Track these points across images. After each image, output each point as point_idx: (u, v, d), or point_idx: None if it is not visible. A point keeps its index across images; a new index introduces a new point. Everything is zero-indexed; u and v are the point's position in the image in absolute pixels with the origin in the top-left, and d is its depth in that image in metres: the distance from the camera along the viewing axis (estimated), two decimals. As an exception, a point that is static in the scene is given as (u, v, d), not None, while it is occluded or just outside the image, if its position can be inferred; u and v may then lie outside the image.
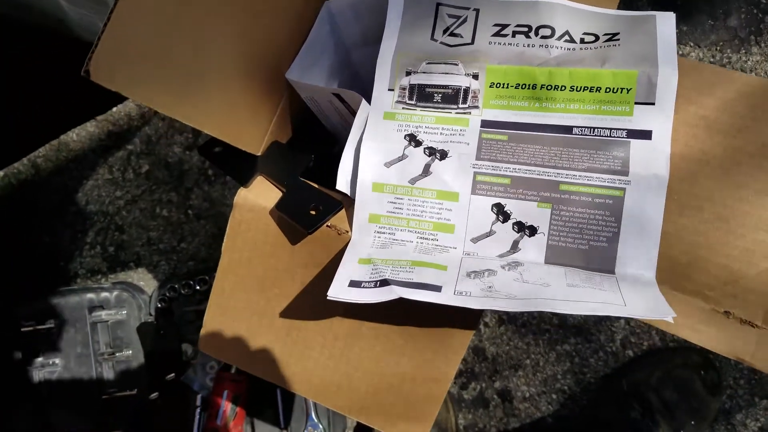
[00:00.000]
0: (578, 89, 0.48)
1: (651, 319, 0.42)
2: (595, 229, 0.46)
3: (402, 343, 0.49)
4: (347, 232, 0.50)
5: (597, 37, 0.48)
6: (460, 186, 0.48)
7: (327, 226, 0.49)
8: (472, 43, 0.49)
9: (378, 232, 0.50)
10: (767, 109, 0.44)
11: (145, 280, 1.00)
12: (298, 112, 0.57)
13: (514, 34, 0.49)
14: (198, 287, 0.94)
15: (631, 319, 0.90)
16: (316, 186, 0.52)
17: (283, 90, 0.54)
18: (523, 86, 0.49)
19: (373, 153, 0.50)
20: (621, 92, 0.47)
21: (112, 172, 1.01)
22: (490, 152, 0.48)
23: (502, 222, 0.48)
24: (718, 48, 0.90)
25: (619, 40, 0.47)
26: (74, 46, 0.46)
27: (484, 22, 0.49)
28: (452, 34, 0.50)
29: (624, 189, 0.45)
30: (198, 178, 1.00)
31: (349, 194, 0.51)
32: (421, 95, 0.50)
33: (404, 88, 0.51)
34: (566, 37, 0.48)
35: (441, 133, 0.49)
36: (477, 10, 0.49)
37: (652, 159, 0.45)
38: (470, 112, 0.50)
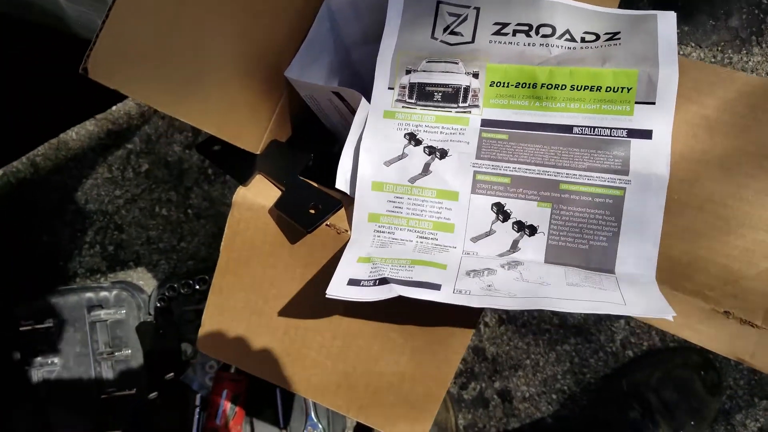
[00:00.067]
0: (579, 88, 0.48)
1: (651, 319, 0.42)
2: (595, 228, 0.46)
3: (401, 343, 0.49)
4: (346, 231, 0.49)
5: (598, 36, 0.48)
6: (460, 185, 0.48)
7: (326, 225, 0.49)
8: (473, 41, 0.49)
9: (377, 231, 0.49)
10: (768, 108, 0.44)
11: (144, 280, 1.00)
12: (298, 110, 0.57)
13: (514, 32, 0.48)
14: (197, 286, 0.94)
15: (631, 319, 0.90)
16: (315, 185, 0.52)
17: (283, 88, 0.54)
18: (524, 85, 0.49)
19: (373, 152, 0.50)
20: (621, 91, 0.47)
21: (112, 171, 1.00)
22: (490, 151, 0.48)
23: (502, 221, 0.47)
24: (719, 48, 0.90)
25: (619, 39, 0.47)
26: (73, 45, 0.46)
27: (484, 21, 0.49)
28: (452, 33, 0.50)
29: (624, 188, 0.45)
30: (198, 177, 1.00)
31: (348, 193, 0.51)
32: (421, 94, 0.50)
33: (404, 87, 0.50)
34: (567, 36, 0.48)
35: (441, 132, 0.49)
36: (477, 9, 0.49)
37: (652, 158, 0.45)
38: (470, 111, 0.49)
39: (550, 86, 0.48)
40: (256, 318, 0.52)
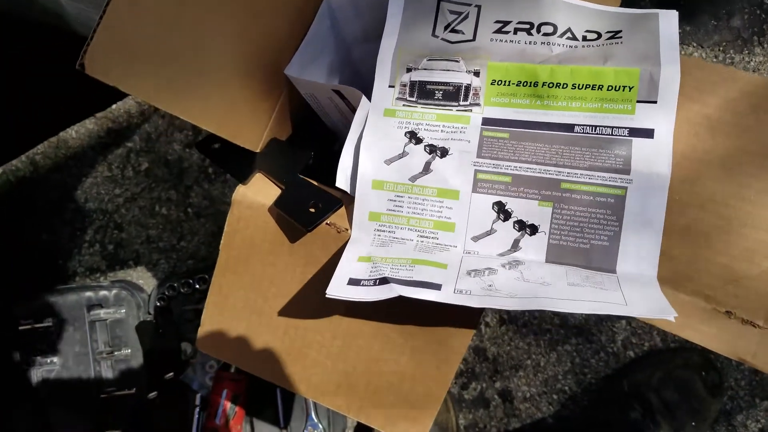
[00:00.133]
0: (580, 87, 0.47)
1: (652, 319, 0.42)
2: (596, 228, 0.45)
3: (402, 342, 0.49)
4: (347, 230, 0.49)
5: (599, 35, 0.48)
6: (461, 184, 0.48)
7: (326, 224, 0.49)
8: (474, 39, 0.49)
9: (378, 230, 0.49)
10: (770, 108, 0.44)
11: (144, 279, 1.00)
12: (298, 108, 0.57)
13: (515, 31, 0.48)
14: (197, 286, 0.93)
15: (633, 319, 0.90)
16: (315, 183, 0.51)
17: (283, 86, 0.54)
18: (525, 84, 0.49)
19: (373, 150, 0.50)
20: (623, 90, 0.46)
21: (112, 170, 1.00)
22: (491, 150, 0.48)
23: (503, 220, 0.47)
24: (721, 48, 0.90)
25: (621, 37, 0.47)
26: (73, 42, 0.45)
27: (485, 19, 0.49)
28: (453, 31, 0.49)
29: (626, 188, 0.45)
30: (198, 176, 1.00)
31: (348, 192, 0.51)
32: (422, 92, 0.50)
33: (405, 85, 0.50)
34: (568, 35, 0.48)
35: (442, 131, 0.49)
36: (479, 7, 0.49)
37: (653, 158, 0.45)
38: (471, 110, 0.49)
39: (551, 85, 0.48)
40: (256, 317, 0.51)
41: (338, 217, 0.50)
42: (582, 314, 0.93)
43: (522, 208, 0.47)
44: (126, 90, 0.40)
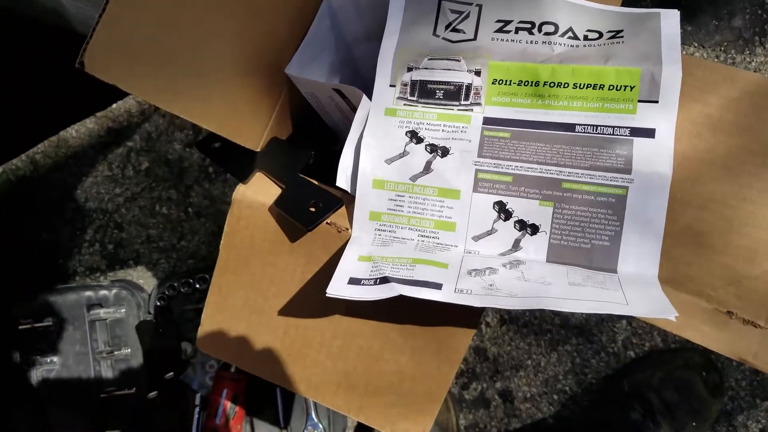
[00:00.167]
0: (581, 87, 0.47)
1: (653, 319, 0.41)
2: (597, 227, 0.45)
3: (402, 342, 0.49)
4: (347, 229, 0.49)
5: (601, 35, 0.47)
6: (462, 183, 0.48)
7: (327, 223, 0.49)
8: (475, 39, 0.49)
9: (378, 230, 0.49)
10: (772, 107, 0.44)
11: (144, 278, 1.00)
12: (299, 108, 0.56)
13: (517, 30, 0.48)
14: (198, 285, 0.93)
15: (633, 319, 0.90)
16: (315, 183, 0.51)
17: (283, 85, 0.54)
18: (526, 83, 0.48)
19: (374, 149, 0.50)
20: (624, 90, 0.46)
21: (112, 169, 1.00)
22: (492, 150, 0.48)
23: (504, 220, 0.47)
24: (723, 48, 0.90)
25: (622, 37, 0.47)
26: (73, 41, 0.45)
27: (486, 18, 0.49)
28: (455, 30, 0.49)
29: (627, 187, 0.45)
30: (198, 175, 1.00)
31: (349, 191, 0.51)
32: (423, 91, 0.50)
33: (406, 84, 0.50)
34: (570, 34, 0.48)
35: (443, 130, 0.49)
36: (480, 6, 0.48)
37: (655, 157, 0.45)
38: (472, 109, 0.49)
39: (552, 84, 0.48)
40: (256, 317, 0.51)
41: (339, 216, 0.50)
42: (583, 314, 0.93)
43: (523, 207, 0.47)
44: (126, 89, 0.40)
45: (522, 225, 0.47)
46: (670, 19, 0.46)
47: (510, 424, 0.96)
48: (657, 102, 0.45)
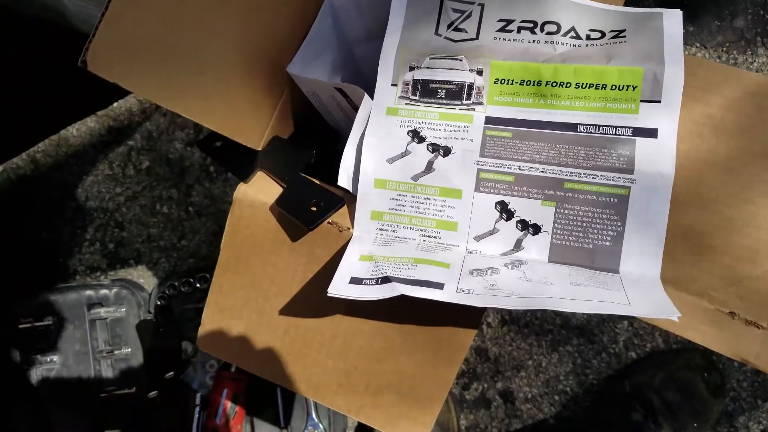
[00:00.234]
0: (583, 86, 0.47)
1: (655, 319, 0.41)
2: (599, 227, 0.45)
3: (402, 342, 0.49)
4: (348, 229, 0.49)
5: (603, 34, 0.47)
6: (464, 183, 0.48)
7: (328, 222, 0.49)
8: (477, 38, 0.49)
9: (380, 230, 0.49)
10: (775, 108, 0.44)
11: (144, 278, 1.00)
12: (300, 107, 0.56)
13: (519, 29, 0.48)
14: (198, 285, 0.93)
15: (635, 319, 0.89)
16: (317, 182, 0.51)
17: (285, 84, 0.54)
18: (528, 83, 0.48)
19: (376, 149, 0.50)
20: (627, 90, 0.46)
21: (113, 168, 1.00)
22: (494, 149, 0.48)
23: (506, 220, 0.47)
24: (725, 49, 0.90)
25: (625, 37, 0.47)
26: (74, 40, 0.45)
27: (488, 18, 0.48)
28: (457, 29, 0.49)
29: (629, 187, 0.45)
30: (199, 174, 1.00)
31: (350, 191, 0.50)
32: (425, 91, 0.50)
33: (408, 84, 0.50)
34: (572, 34, 0.48)
35: (445, 130, 0.49)
36: (482, 5, 0.48)
37: (657, 157, 0.45)
38: (474, 109, 0.49)
39: (554, 84, 0.48)
40: (256, 316, 0.51)
41: (340, 216, 0.49)
42: (584, 314, 0.93)
43: (525, 207, 0.47)
44: (128, 87, 0.40)
45: (524, 225, 0.47)
46: (673, 19, 0.46)
47: (511, 424, 0.96)
48: (659, 102, 0.45)
